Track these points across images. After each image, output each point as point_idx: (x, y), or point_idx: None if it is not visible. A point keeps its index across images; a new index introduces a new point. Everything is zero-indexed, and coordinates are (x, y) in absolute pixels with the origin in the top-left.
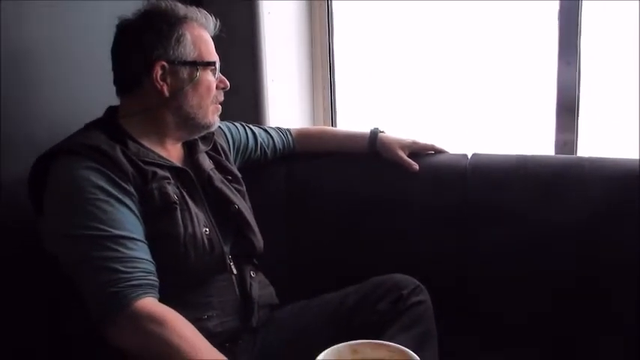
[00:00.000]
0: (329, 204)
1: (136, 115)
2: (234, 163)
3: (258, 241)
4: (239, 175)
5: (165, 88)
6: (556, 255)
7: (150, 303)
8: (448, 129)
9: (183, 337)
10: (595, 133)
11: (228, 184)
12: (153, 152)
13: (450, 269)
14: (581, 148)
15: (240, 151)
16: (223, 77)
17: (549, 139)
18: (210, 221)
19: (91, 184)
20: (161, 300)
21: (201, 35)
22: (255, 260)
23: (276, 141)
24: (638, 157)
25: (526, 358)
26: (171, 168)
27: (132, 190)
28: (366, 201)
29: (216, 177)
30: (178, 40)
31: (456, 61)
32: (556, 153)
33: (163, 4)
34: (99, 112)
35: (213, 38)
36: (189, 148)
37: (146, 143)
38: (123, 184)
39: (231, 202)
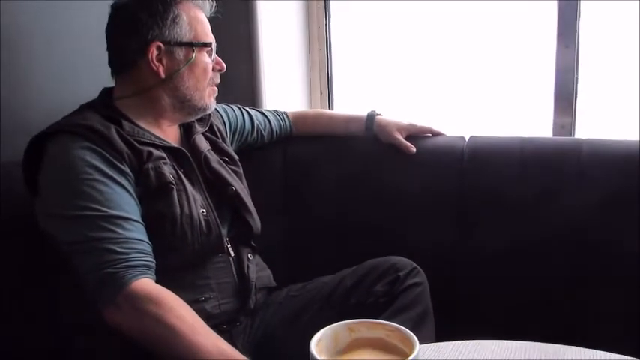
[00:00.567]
0: (326, 186)
1: (132, 97)
2: (231, 146)
3: (255, 222)
4: (235, 156)
5: (160, 69)
6: (554, 237)
7: (147, 284)
8: (446, 112)
9: (180, 317)
10: (593, 116)
11: (224, 165)
12: (149, 132)
13: (445, 252)
14: (579, 131)
15: (237, 134)
16: (219, 59)
17: (547, 123)
18: (207, 202)
19: (87, 164)
20: (158, 281)
21: (197, 16)
22: (252, 242)
23: (272, 123)
24: (636, 139)
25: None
26: (167, 148)
27: (127, 170)
28: (362, 183)
29: (213, 158)
30: (174, 21)
31: (454, 44)
32: (554, 135)
33: None
34: (93, 95)
35: (210, 20)
36: (186, 130)
37: (142, 124)
38: (118, 164)
39: (227, 184)
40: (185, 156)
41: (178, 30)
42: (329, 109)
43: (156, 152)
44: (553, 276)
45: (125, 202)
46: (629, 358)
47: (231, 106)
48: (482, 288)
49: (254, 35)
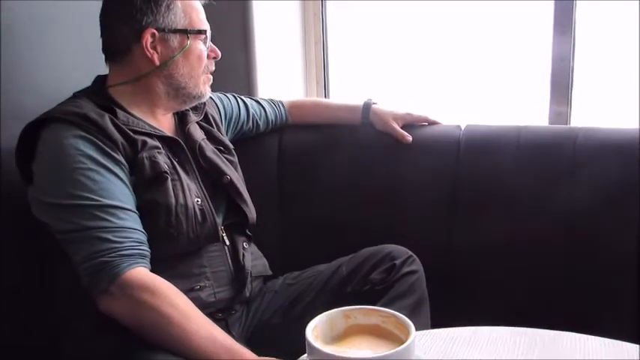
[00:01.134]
0: (322, 175)
1: (125, 84)
2: (226, 135)
3: (251, 211)
4: (231, 145)
5: (155, 57)
6: (549, 226)
7: (141, 272)
8: (442, 100)
9: (174, 305)
10: (589, 104)
11: (219, 154)
12: (143, 121)
13: (441, 241)
14: (575, 119)
15: (232, 123)
16: (214, 47)
17: (544, 111)
18: (202, 192)
19: (81, 153)
20: (153, 271)
21: (191, 3)
22: (247, 231)
23: (268, 112)
24: (631, 127)
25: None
26: (162, 137)
27: (122, 159)
28: (358, 172)
29: (208, 147)
30: (168, 8)
31: (451, 33)
32: (550, 124)
33: None
34: (87, 82)
35: (206, 8)
36: (180, 119)
37: (136, 112)
38: (112, 153)
39: (222, 173)
40: (180, 145)
41: (173, 17)
42: (325, 97)
43: (150, 141)
44: (548, 263)
45: (119, 192)
46: (622, 342)
47: (227, 94)
48: (478, 276)
49: (249, 23)
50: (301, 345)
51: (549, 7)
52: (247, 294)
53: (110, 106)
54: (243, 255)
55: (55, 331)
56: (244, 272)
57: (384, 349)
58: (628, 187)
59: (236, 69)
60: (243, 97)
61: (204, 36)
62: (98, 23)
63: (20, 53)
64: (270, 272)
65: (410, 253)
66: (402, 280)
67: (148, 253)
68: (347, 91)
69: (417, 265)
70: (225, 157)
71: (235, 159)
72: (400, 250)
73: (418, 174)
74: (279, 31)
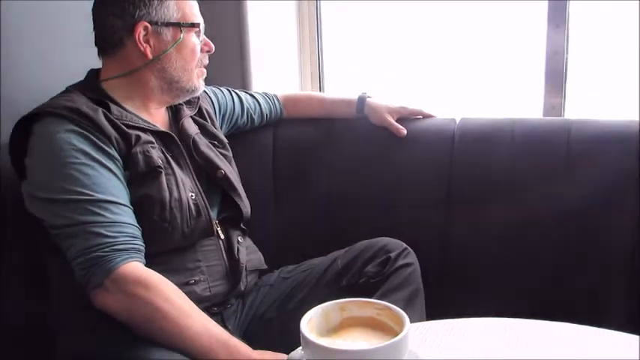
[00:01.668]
0: (317, 169)
1: (119, 78)
2: (221, 129)
3: (245, 206)
4: (225, 140)
5: (148, 50)
6: (543, 217)
7: (135, 267)
8: (437, 93)
9: (169, 300)
10: (583, 96)
11: (213, 148)
12: (136, 116)
13: (436, 233)
14: (569, 111)
15: (227, 117)
16: (208, 40)
17: (538, 103)
18: (196, 186)
19: (73, 148)
20: (148, 265)
21: None
22: (242, 225)
23: (263, 106)
24: (623, 119)
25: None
26: (156, 132)
27: (115, 154)
28: (353, 166)
29: (202, 142)
30: (161, 1)
31: (445, 26)
32: (544, 116)
33: None
34: (80, 75)
35: (199, 1)
36: (174, 113)
37: (129, 107)
38: (106, 147)
39: (217, 167)
40: (173, 140)
41: (165, 10)
42: (320, 91)
43: (144, 136)
44: (543, 255)
45: (113, 186)
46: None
47: (221, 88)
48: (473, 268)
49: (244, 17)
50: (297, 338)
51: (543, 1)
52: (242, 288)
53: (103, 100)
54: (238, 249)
55: (50, 326)
56: (239, 266)
57: (378, 341)
58: (622, 178)
59: (231, 63)
60: (237, 91)
61: (197, 29)
62: (91, 16)
63: (12, 48)
64: (265, 266)
65: (405, 245)
66: (396, 273)
67: (142, 248)
68: (342, 85)
69: (411, 257)
70: (220, 152)
71: (230, 153)
72: (395, 243)
73: (413, 167)
74: (273, 25)
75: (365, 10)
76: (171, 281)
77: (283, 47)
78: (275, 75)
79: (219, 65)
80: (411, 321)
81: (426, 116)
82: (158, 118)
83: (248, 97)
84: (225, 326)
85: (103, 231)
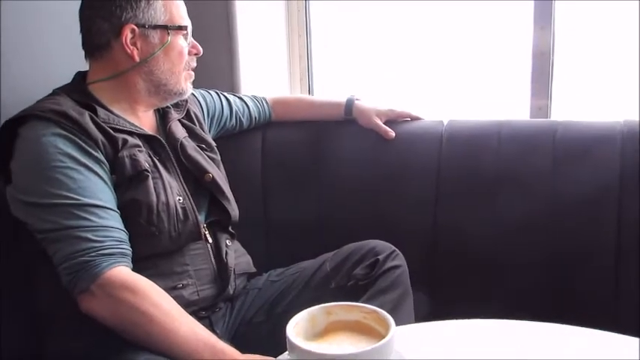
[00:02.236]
0: (305, 171)
1: (106, 81)
2: (209, 132)
3: (233, 209)
4: (213, 143)
5: (135, 53)
6: (530, 218)
7: (122, 272)
8: (425, 95)
9: (157, 304)
10: (569, 97)
11: (201, 152)
12: (123, 119)
13: (425, 235)
14: (555, 112)
15: (215, 120)
16: (196, 43)
17: (525, 104)
18: (184, 190)
19: (59, 152)
20: (135, 270)
21: None
22: (230, 229)
23: (251, 109)
24: (607, 120)
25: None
26: (143, 136)
27: (102, 157)
28: (342, 169)
29: (190, 145)
30: (148, 3)
31: (432, 29)
32: (531, 117)
33: None
34: (67, 78)
35: (187, 3)
36: (162, 116)
37: (116, 110)
38: (92, 151)
39: (204, 171)
40: (161, 143)
41: (152, 12)
42: (309, 94)
43: (131, 140)
44: (531, 256)
45: (99, 190)
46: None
47: (210, 91)
48: (462, 270)
49: (232, 19)
50: (285, 341)
51: (529, 3)
52: (231, 291)
53: (90, 103)
54: (226, 252)
55: (38, 331)
56: (227, 270)
57: (364, 345)
58: (606, 178)
59: (219, 66)
60: (226, 93)
61: (185, 32)
62: (77, 19)
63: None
64: (253, 269)
65: (393, 248)
66: (385, 275)
67: (129, 252)
68: (331, 87)
69: (400, 260)
70: (208, 155)
71: (218, 156)
72: (383, 246)
73: (401, 169)
74: (262, 27)
75: (354, 12)
76: (159, 285)
77: (272, 50)
78: (264, 78)
79: (208, 68)
80: (400, 323)
81: (414, 118)
82: (146, 121)
83: (237, 99)
84: (213, 330)
85: (89, 235)
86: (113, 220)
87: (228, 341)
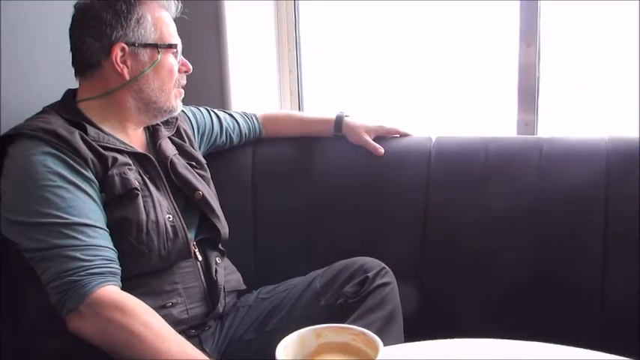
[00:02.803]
0: (295, 189)
1: (96, 99)
2: (199, 149)
3: (223, 227)
4: (203, 160)
5: (125, 71)
6: (518, 235)
7: (111, 291)
8: (414, 111)
9: (146, 324)
10: (555, 112)
11: (191, 169)
12: (113, 137)
13: (413, 252)
14: (542, 127)
15: (205, 137)
16: (186, 60)
17: (512, 120)
18: (174, 208)
19: (49, 170)
20: (125, 288)
21: (162, 17)
22: (220, 246)
23: (241, 126)
24: (593, 136)
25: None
26: (133, 154)
27: (91, 176)
28: (332, 185)
29: (180, 163)
30: (138, 22)
31: (420, 46)
32: (518, 133)
33: None
34: (57, 96)
35: (177, 21)
36: (152, 134)
37: (106, 128)
38: (82, 170)
39: (194, 189)
40: (151, 161)
41: (143, 31)
42: (299, 109)
43: (121, 158)
44: (518, 271)
45: (89, 209)
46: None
47: (200, 108)
48: (451, 287)
49: (222, 36)
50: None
51: (515, 19)
52: (221, 309)
53: (80, 121)
54: (216, 270)
55: (23, 350)
56: (217, 288)
57: None
58: (591, 193)
59: (209, 82)
60: (216, 110)
61: (175, 50)
62: (67, 37)
63: None
64: (243, 286)
65: (383, 265)
66: (374, 293)
67: (118, 271)
68: (321, 103)
69: (389, 277)
70: (198, 173)
71: (208, 174)
72: (373, 263)
73: (391, 185)
74: (252, 43)
75: (343, 29)
76: (148, 304)
77: (262, 66)
78: (254, 94)
79: (198, 85)
80: (389, 341)
81: (403, 135)
82: (136, 139)
83: (227, 116)
84: (202, 349)
85: (78, 254)
86: (102, 239)
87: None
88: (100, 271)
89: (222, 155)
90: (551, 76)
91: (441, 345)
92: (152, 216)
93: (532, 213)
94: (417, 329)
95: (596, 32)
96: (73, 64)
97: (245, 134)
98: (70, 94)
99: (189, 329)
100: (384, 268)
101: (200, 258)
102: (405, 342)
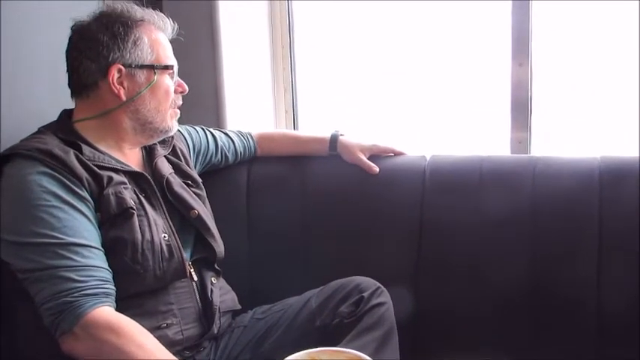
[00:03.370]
0: (291, 208)
1: (92, 119)
2: (195, 168)
3: (219, 246)
4: (199, 179)
5: (121, 92)
6: (512, 253)
7: (106, 312)
8: (410, 130)
9: (141, 345)
10: (548, 130)
11: (187, 188)
12: (109, 156)
13: (408, 270)
14: (535, 145)
15: (201, 155)
16: (181, 81)
17: (506, 138)
18: (170, 227)
19: (44, 190)
20: (119, 309)
21: (158, 38)
22: (216, 266)
23: (237, 144)
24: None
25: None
26: (129, 173)
27: (87, 196)
28: (327, 204)
29: (176, 181)
30: (135, 43)
31: (414, 65)
32: (511, 150)
33: (120, 7)
34: (53, 117)
35: (173, 42)
36: (148, 153)
37: (102, 147)
38: (77, 189)
39: (190, 207)
40: (147, 180)
41: (139, 52)
42: (294, 128)
43: (116, 177)
44: (512, 290)
45: (84, 229)
46: None
47: (195, 127)
48: (446, 306)
49: (218, 55)
50: None
51: (507, 40)
52: (216, 330)
53: (75, 141)
54: (212, 290)
55: None
56: (212, 308)
57: None
58: (584, 212)
59: (205, 101)
60: (211, 129)
61: (171, 71)
62: (63, 58)
63: None
64: (239, 306)
65: (378, 284)
66: (370, 313)
67: (113, 292)
68: (315, 121)
69: (385, 296)
70: (193, 191)
71: (203, 193)
72: (368, 282)
73: (385, 204)
74: (248, 63)
75: (338, 48)
76: (143, 325)
77: (257, 85)
78: (249, 112)
79: (194, 104)
80: None
81: (398, 153)
82: (132, 158)
83: (222, 135)
84: None
85: (72, 275)
86: (97, 259)
87: None
88: (95, 292)
89: (217, 174)
90: (543, 94)
91: None
92: (147, 235)
93: (526, 231)
94: (412, 346)
95: (588, 50)
96: (70, 84)
97: (240, 153)
98: (66, 115)
99: (184, 350)
100: (379, 287)
101: (195, 278)
102: None
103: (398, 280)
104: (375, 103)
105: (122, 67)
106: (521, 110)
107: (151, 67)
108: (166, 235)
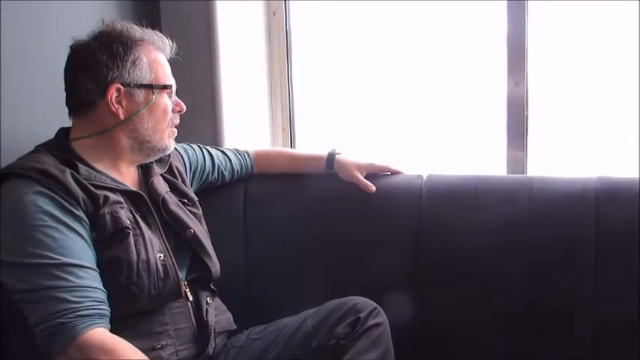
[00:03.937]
0: (287, 227)
1: (89, 138)
2: (191, 186)
3: (215, 265)
4: (195, 198)
5: (120, 111)
6: (508, 272)
7: (100, 333)
8: (405, 149)
9: None
10: (544, 150)
11: (183, 207)
12: (106, 176)
13: (405, 290)
14: (531, 164)
15: (197, 174)
16: (179, 101)
17: (502, 157)
18: (165, 246)
19: (40, 210)
20: (113, 329)
21: (157, 58)
22: (211, 285)
23: (233, 163)
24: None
25: None
26: (125, 192)
27: (82, 215)
28: (323, 222)
29: (172, 200)
30: (134, 63)
31: (412, 85)
32: (508, 170)
33: (119, 26)
34: (50, 133)
35: (172, 61)
36: (144, 171)
37: (99, 166)
38: (73, 209)
39: (186, 226)
40: (143, 199)
41: (138, 72)
42: (291, 146)
43: (112, 196)
44: (509, 308)
45: (79, 249)
46: None
47: (192, 145)
48: (443, 325)
49: (216, 75)
50: None
51: (503, 59)
52: (211, 351)
53: (72, 160)
54: (207, 310)
55: None
56: (208, 329)
57: None
58: (580, 231)
59: (202, 119)
60: (208, 147)
61: (169, 90)
62: (61, 76)
63: None
64: (234, 326)
65: (374, 305)
66: (367, 334)
67: (107, 313)
68: (312, 140)
69: (381, 317)
70: (190, 210)
71: (200, 212)
72: (365, 303)
73: (382, 223)
74: (245, 80)
75: (335, 66)
76: (137, 346)
77: (255, 103)
78: (246, 130)
79: (191, 122)
80: None
81: (394, 172)
82: (128, 176)
83: (219, 153)
84: None
85: (67, 296)
86: (92, 279)
87: None
88: (89, 313)
89: (214, 192)
90: (540, 114)
91: None
92: (143, 255)
93: (523, 250)
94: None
95: (584, 70)
96: (67, 103)
97: (237, 171)
98: (63, 133)
99: None
100: (375, 308)
101: (191, 298)
102: None
103: (394, 299)
104: (372, 122)
105: (121, 87)
106: (517, 130)
107: (150, 87)
108: (162, 255)
